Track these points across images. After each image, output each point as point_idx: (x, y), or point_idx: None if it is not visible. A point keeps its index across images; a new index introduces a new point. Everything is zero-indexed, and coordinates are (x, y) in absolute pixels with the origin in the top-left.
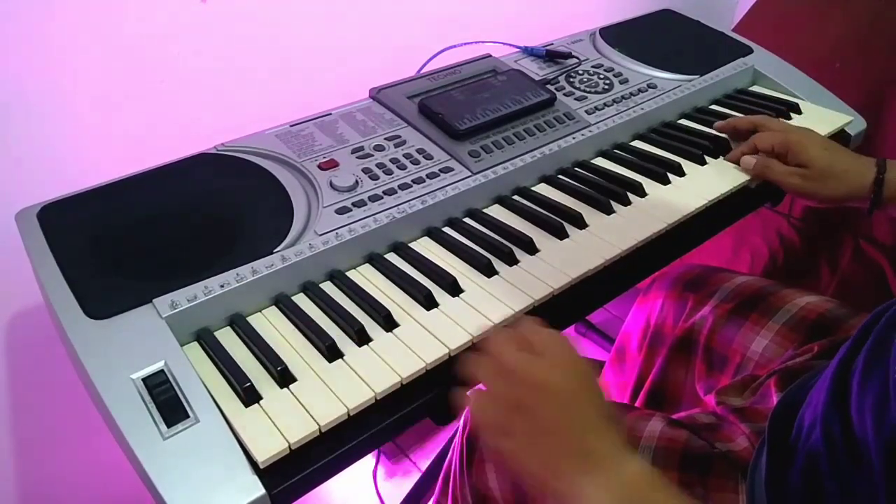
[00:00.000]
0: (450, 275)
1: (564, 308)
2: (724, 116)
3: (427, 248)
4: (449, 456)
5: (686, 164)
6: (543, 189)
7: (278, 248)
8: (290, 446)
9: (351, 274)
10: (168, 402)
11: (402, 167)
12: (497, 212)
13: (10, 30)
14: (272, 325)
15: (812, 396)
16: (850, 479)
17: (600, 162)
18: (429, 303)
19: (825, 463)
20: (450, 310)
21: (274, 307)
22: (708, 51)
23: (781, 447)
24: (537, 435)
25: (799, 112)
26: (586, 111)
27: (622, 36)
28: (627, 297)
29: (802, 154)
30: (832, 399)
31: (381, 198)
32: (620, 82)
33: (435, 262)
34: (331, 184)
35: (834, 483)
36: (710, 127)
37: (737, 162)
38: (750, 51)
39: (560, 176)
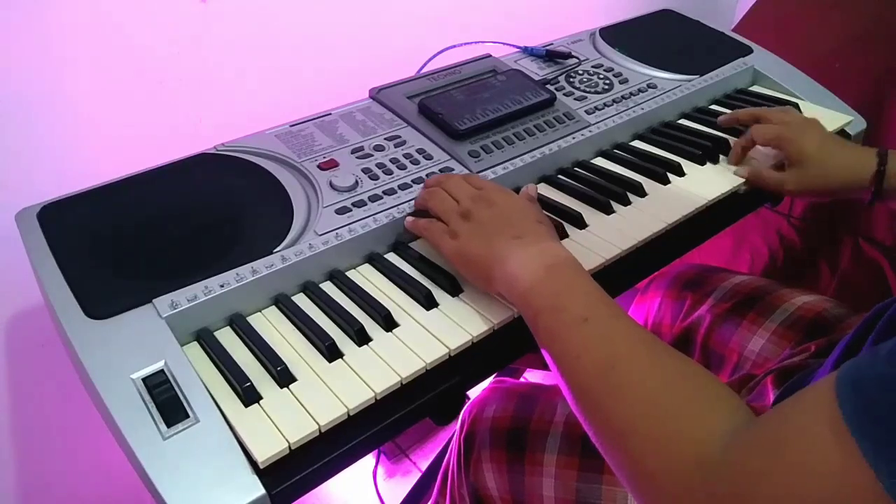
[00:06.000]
0: (450, 274)
1: None
2: None
3: (427, 247)
4: (447, 456)
5: (686, 164)
6: (543, 189)
7: (278, 248)
8: (289, 446)
9: (351, 274)
10: (168, 402)
11: (402, 167)
12: None
13: (10, 29)
14: (272, 325)
15: None
16: None
17: (600, 162)
18: (429, 303)
19: None
20: (450, 310)
21: (274, 307)
22: (708, 51)
23: None
24: (480, 230)
25: (799, 112)
26: (586, 111)
27: (622, 36)
28: (626, 296)
29: (796, 151)
30: None
31: (381, 198)
32: (620, 82)
33: (435, 261)
34: (331, 184)
35: None
36: (711, 127)
37: (738, 163)
38: (750, 51)
39: (560, 176)
